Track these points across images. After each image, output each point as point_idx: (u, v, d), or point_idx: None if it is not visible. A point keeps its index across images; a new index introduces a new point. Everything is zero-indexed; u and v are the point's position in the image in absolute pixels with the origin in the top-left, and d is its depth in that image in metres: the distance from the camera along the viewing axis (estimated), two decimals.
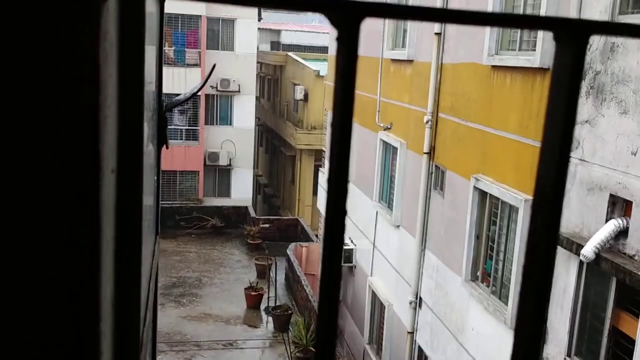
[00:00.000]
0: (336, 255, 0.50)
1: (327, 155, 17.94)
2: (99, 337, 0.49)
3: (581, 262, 6.54)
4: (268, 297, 17.89)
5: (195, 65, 25.78)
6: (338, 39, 0.47)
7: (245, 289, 18.16)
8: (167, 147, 1.65)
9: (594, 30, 0.50)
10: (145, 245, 1.16)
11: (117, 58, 0.58)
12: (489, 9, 8.67)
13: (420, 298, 11.12)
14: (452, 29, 10.07)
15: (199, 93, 25.58)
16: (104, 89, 0.48)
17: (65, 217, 0.45)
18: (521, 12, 8.19)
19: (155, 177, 1.58)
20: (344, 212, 0.50)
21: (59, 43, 0.42)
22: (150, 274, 1.21)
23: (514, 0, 8.49)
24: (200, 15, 25.63)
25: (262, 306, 17.98)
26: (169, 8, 26.70)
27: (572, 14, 6.88)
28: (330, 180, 0.49)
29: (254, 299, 17.92)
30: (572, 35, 0.49)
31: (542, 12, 7.41)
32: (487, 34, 8.72)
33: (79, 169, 0.45)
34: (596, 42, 6.57)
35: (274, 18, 43.15)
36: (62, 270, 0.47)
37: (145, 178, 1.32)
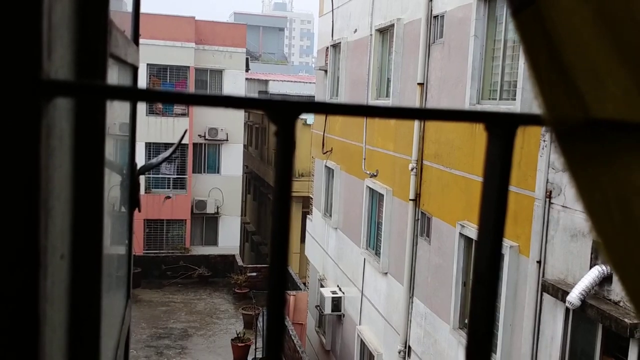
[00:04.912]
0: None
1: (314, 201, 17.81)
2: None
3: (567, 309, 6.52)
4: (255, 348, 17.57)
5: (183, 114, 25.98)
6: (276, 134, 0.50)
7: (232, 340, 17.84)
8: (139, 211, 1.66)
9: (522, 121, 0.53)
10: (114, 313, 1.15)
11: (71, 148, 0.59)
12: (469, 70, 8.89)
13: (409, 347, 10.98)
14: (434, 79, 10.28)
15: (187, 142, 25.70)
16: (49, 183, 0.49)
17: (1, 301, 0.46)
18: (500, 68, 8.39)
19: (127, 241, 1.59)
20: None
21: None
22: (119, 342, 1.20)
23: (493, 59, 8.71)
24: (189, 66, 25.99)
25: (250, 357, 17.63)
26: (157, 59, 26.81)
27: None
28: (271, 265, 0.50)
29: (241, 351, 17.58)
30: (501, 127, 0.52)
31: (520, 70, 7.60)
32: (469, 83, 8.91)
33: (16, 266, 0.46)
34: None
35: (262, 69, 43.83)
36: None
37: (115, 244, 1.32)
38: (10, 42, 0.44)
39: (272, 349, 0.51)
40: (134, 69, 1.57)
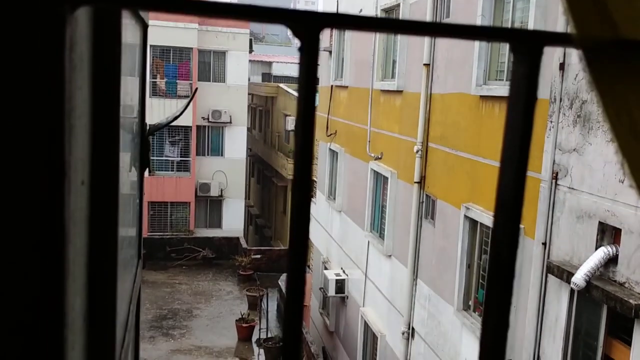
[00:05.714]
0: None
1: (317, 184, 17.80)
2: (64, 345, 0.49)
3: (572, 291, 6.53)
4: (260, 329, 17.70)
5: (187, 96, 25.92)
6: (300, 49, 0.49)
7: (236, 320, 17.97)
8: (149, 172, 1.66)
9: (549, 40, 0.52)
10: (125, 265, 1.16)
11: (90, 71, 0.59)
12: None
13: (413, 328, 11.03)
14: (440, 60, 10.22)
15: (190, 125, 25.67)
16: (72, 99, 0.49)
17: (26, 224, 0.46)
18: (507, 48, 8.32)
19: (138, 200, 1.59)
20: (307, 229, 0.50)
21: (18, 53, 0.44)
22: (131, 297, 1.21)
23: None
24: (192, 48, 25.88)
25: (254, 338, 17.76)
26: (160, 40, 26.71)
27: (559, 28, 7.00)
28: (294, 188, 0.50)
29: (245, 331, 17.72)
30: (528, 46, 0.51)
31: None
32: (475, 63, 8.85)
33: (42, 177, 0.45)
34: (583, 72, 6.68)
35: (266, 50, 43.62)
36: (23, 278, 0.47)
37: (125, 194, 1.32)
38: None
39: (289, 341, 0.49)
40: (144, 28, 1.56)
